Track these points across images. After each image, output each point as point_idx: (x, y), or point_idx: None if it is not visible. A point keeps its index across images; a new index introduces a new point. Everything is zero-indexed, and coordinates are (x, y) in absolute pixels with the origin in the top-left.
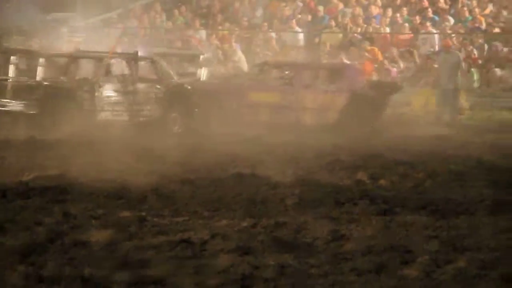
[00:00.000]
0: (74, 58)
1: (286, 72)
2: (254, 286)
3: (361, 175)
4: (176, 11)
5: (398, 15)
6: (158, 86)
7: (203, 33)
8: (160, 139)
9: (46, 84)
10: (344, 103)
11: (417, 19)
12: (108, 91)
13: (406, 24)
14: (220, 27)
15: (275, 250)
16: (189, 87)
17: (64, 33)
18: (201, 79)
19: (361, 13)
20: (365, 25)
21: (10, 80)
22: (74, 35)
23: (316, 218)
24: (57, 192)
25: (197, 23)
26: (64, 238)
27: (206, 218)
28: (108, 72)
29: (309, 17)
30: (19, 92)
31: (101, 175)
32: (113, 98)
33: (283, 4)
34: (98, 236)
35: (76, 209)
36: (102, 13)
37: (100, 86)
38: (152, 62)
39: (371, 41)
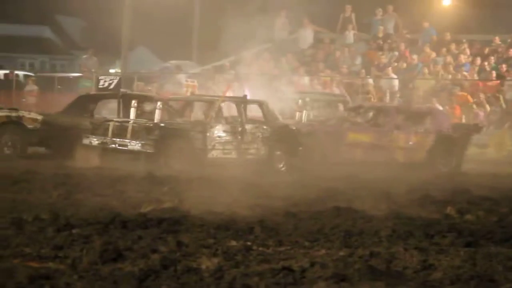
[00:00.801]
0: (189, 102)
1: (380, 115)
2: None
3: (449, 210)
4: (283, 59)
5: (486, 63)
6: (265, 127)
7: (306, 79)
8: (266, 175)
9: (162, 126)
10: (431, 143)
11: (504, 67)
12: (219, 132)
13: (493, 72)
14: (322, 74)
15: (369, 278)
16: (293, 128)
17: (181, 79)
18: (302, 121)
19: (452, 61)
20: (455, 72)
21: (131, 122)
22: (189, 81)
23: (407, 249)
24: (172, 223)
25: (302, 70)
26: (177, 265)
27: (307, 247)
28: (219, 114)
29: (404, 65)
30: (138, 133)
31: (211, 208)
32: (223, 138)
33: (380, 53)
34: (208, 263)
35: (188, 239)
36: (216, 60)
37: (211, 127)
38: (260, 104)
39: (461, 87)
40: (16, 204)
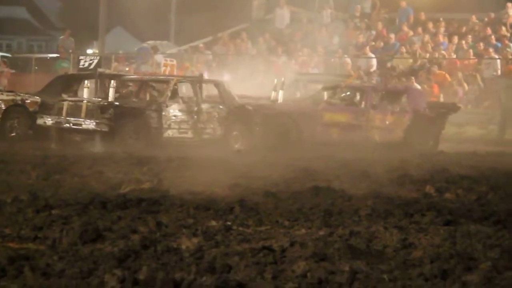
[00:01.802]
0: (145, 81)
1: (356, 94)
2: None
3: (429, 189)
4: (260, 39)
5: (463, 42)
6: (221, 107)
7: (284, 59)
8: (245, 155)
9: (117, 105)
10: (407, 123)
11: (481, 45)
12: (174, 111)
13: (471, 50)
14: (300, 53)
15: (349, 257)
16: (250, 108)
17: (159, 59)
18: (278, 101)
19: (430, 40)
20: (433, 51)
21: (85, 101)
22: (168, 60)
23: (387, 227)
24: (151, 204)
25: (280, 49)
26: (157, 245)
27: (286, 227)
28: (174, 93)
29: (382, 44)
30: (92, 112)
31: (191, 188)
32: (179, 117)
33: (357, 32)
34: (188, 243)
35: (168, 219)
36: (192, 40)
37: (166, 106)
38: (216, 84)
39: (439, 66)
40: None
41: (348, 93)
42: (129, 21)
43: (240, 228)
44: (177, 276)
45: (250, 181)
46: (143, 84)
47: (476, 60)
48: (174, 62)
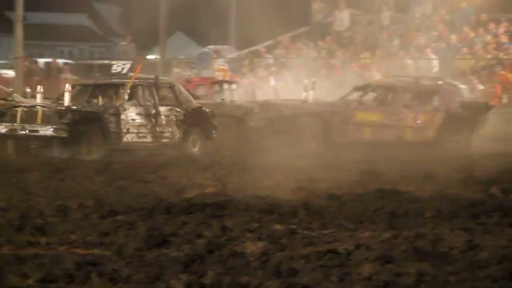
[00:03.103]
0: (99, 85)
1: (388, 93)
2: None
3: (494, 190)
4: (320, 42)
5: None
6: (178, 109)
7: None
8: (308, 159)
9: (75, 109)
10: (439, 122)
11: None
12: (133, 115)
13: None
14: (360, 56)
15: (415, 259)
16: (207, 110)
17: (215, 63)
18: (309, 101)
19: (491, 40)
20: (497, 52)
21: (40, 106)
22: (221, 65)
23: (452, 229)
24: (215, 208)
25: (339, 52)
26: (222, 249)
27: (351, 230)
28: (132, 96)
29: (443, 45)
30: (50, 117)
31: (254, 192)
32: (137, 121)
33: (419, 33)
34: (253, 247)
35: (233, 223)
36: (253, 44)
37: (124, 110)
38: (171, 86)
39: (502, 66)
40: (61, 192)
41: (380, 92)
42: (190, 26)
43: (305, 232)
44: (243, 281)
45: (314, 184)
46: (98, 88)
47: None
48: (226, 67)
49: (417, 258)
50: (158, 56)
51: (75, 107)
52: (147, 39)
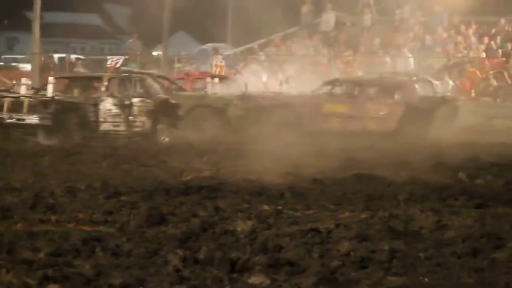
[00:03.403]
0: (82, 78)
1: (355, 87)
2: (370, 267)
3: (461, 175)
4: (308, 41)
5: (492, 42)
6: (148, 101)
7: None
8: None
9: (58, 99)
10: (400, 113)
11: (509, 46)
12: (109, 105)
13: (500, 50)
14: (344, 54)
15: (388, 237)
16: (174, 102)
17: (212, 59)
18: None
19: (462, 41)
20: (467, 52)
21: (26, 97)
22: (218, 61)
23: (423, 211)
24: (210, 190)
25: (325, 50)
26: (215, 227)
27: (332, 211)
28: (109, 88)
29: (418, 45)
30: (35, 107)
31: (246, 176)
32: (113, 111)
33: (397, 34)
34: (243, 226)
35: (225, 204)
36: (248, 43)
37: (102, 101)
38: (141, 79)
39: (472, 63)
40: (70, 174)
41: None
42: (191, 25)
43: (290, 212)
44: (233, 256)
45: (300, 169)
46: (81, 80)
47: (504, 59)
48: (223, 63)
49: (391, 236)
50: (161, 53)
51: (58, 98)
52: (152, 37)
